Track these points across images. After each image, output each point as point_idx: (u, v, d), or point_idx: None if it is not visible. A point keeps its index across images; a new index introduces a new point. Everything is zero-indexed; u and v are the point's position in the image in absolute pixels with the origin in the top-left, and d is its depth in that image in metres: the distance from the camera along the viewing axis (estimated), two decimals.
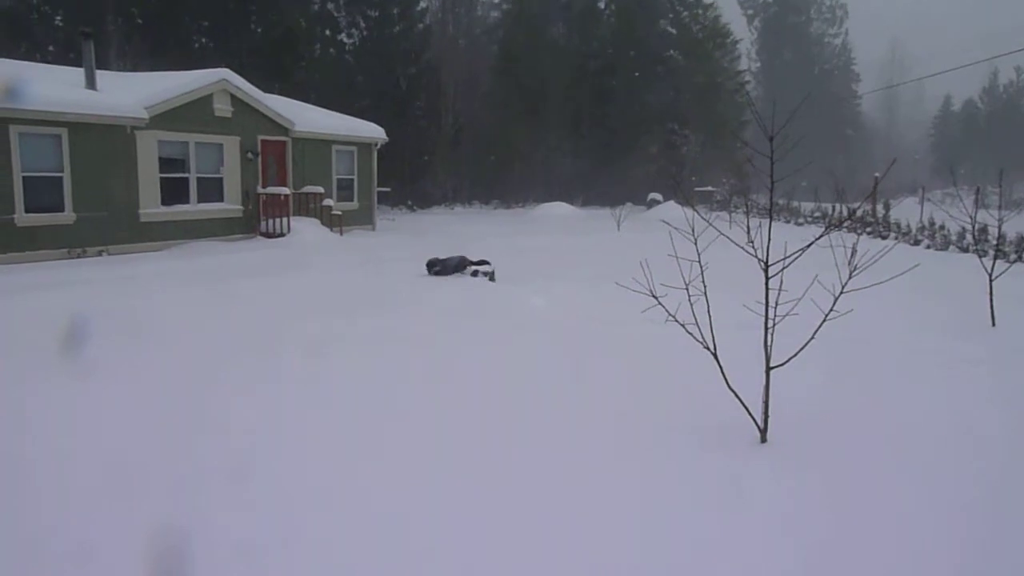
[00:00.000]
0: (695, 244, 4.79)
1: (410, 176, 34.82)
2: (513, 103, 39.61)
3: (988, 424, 5.14)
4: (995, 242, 11.54)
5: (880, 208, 23.73)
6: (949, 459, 4.51)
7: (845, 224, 22.35)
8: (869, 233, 21.42)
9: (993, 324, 8.27)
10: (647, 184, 39.69)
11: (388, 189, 29.18)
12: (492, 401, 5.55)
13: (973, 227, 13.06)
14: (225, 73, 17.37)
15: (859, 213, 24.01)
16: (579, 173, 41.55)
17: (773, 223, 4.67)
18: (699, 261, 4.77)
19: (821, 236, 4.58)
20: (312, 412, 5.24)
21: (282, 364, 6.46)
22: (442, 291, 10.22)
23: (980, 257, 10.07)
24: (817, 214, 27.99)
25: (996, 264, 8.92)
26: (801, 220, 27.87)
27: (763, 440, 4.71)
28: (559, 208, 32.18)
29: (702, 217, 4.74)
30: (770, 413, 4.71)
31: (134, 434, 4.78)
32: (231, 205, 17.65)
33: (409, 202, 35.13)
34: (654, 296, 4.72)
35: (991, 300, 8.43)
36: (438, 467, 4.32)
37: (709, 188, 37.64)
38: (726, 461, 4.44)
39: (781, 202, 30.86)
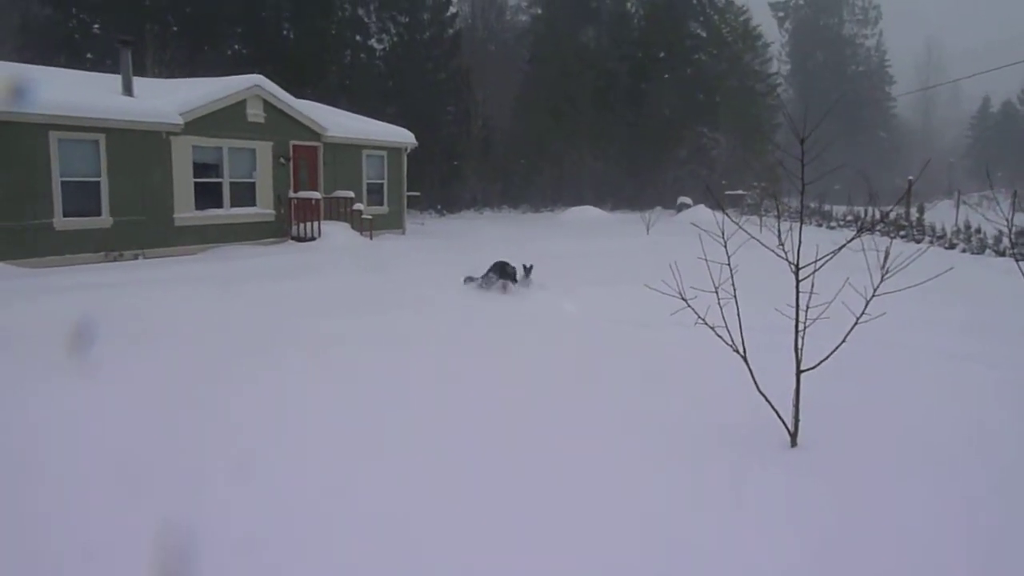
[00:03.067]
0: (724, 247, 4.77)
1: (440, 181, 34.99)
2: (543, 107, 39.68)
3: (1011, 430, 5.05)
4: None
5: (914, 211, 23.35)
6: (973, 461, 4.44)
7: (877, 227, 22.07)
8: (903, 237, 21.07)
9: None
10: (677, 188, 39.48)
11: (418, 194, 29.37)
12: (525, 403, 5.57)
13: (1010, 230, 12.80)
14: (258, 79, 17.63)
15: (892, 216, 23.67)
16: (608, 177, 41.45)
17: (805, 227, 4.64)
18: (729, 264, 4.75)
19: (853, 239, 4.54)
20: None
21: (331, 361, 6.55)
22: (476, 298, 10.28)
23: (1017, 261, 9.87)
24: (849, 218, 27.63)
25: None
26: (833, 224, 27.52)
27: (793, 444, 4.67)
28: (588, 212, 32.15)
29: (732, 220, 4.71)
30: (800, 417, 4.68)
31: (137, 424, 4.88)
32: (264, 209, 17.90)
33: (438, 206, 35.30)
34: (683, 299, 4.72)
35: None
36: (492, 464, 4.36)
37: (740, 192, 37.31)
38: (757, 464, 4.42)
39: (813, 205, 30.47)
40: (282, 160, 18.26)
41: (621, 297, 9.80)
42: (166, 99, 15.65)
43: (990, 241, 17.58)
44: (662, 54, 43.59)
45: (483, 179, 38.76)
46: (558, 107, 39.78)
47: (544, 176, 40.30)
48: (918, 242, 20.84)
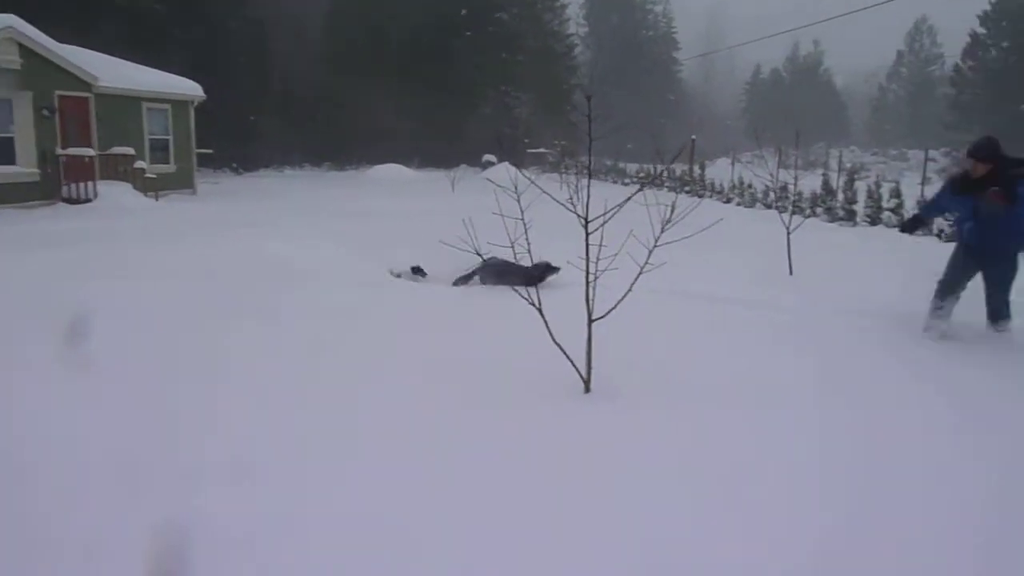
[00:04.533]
0: (519, 203, 4.87)
1: (236, 138, 32.95)
2: (345, 62, 38.38)
3: (782, 366, 5.65)
4: (792, 199, 12.67)
5: (696, 169, 25.27)
6: (749, 396, 4.92)
7: (664, 182, 23.69)
8: (688, 192, 22.78)
9: (791, 273, 9.09)
10: (483, 146, 39.98)
11: (210, 151, 27.44)
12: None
13: (775, 186, 14.26)
14: (11, 19, 15.50)
15: (678, 173, 25.47)
16: (414, 135, 41.09)
17: (601, 183, 4.85)
18: (523, 219, 4.86)
19: (637, 192, 4.79)
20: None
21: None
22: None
23: (780, 213, 11.00)
24: (641, 174, 29.42)
25: (793, 219, 9.78)
26: (627, 180, 29.20)
27: (587, 390, 4.92)
28: (394, 170, 31.76)
29: (525, 176, 4.81)
30: (593, 365, 4.92)
31: None
32: (26, 168, 15.94)
33: (234, 165, 33.33)
34: (479, 255, 4.77)
35: (789, 251, 9.25)
36: None
37: (542, 150, 38.48)
38: (551, 409, 4.63)
39: (608, 163, 32.03)
40: (45, 112, 16.30)
41: (428, 256, 9.78)
42: None
43: (759, 195, 19.44)
44: (464, 10, 43.53)
45: (284, 136, 37.01)
46: (362, 62, 38.66)
47: (348, 133, 39.20)
48: (700, 197, 22.61)
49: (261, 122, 35.23)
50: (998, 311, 6.30)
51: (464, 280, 8.59)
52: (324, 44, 39.86)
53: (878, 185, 15.60)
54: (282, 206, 17.50)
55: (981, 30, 50.87)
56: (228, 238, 10.69)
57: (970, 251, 6.38)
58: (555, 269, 7.96)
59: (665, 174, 26.59)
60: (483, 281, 8.37)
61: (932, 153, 33.66)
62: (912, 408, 4.75)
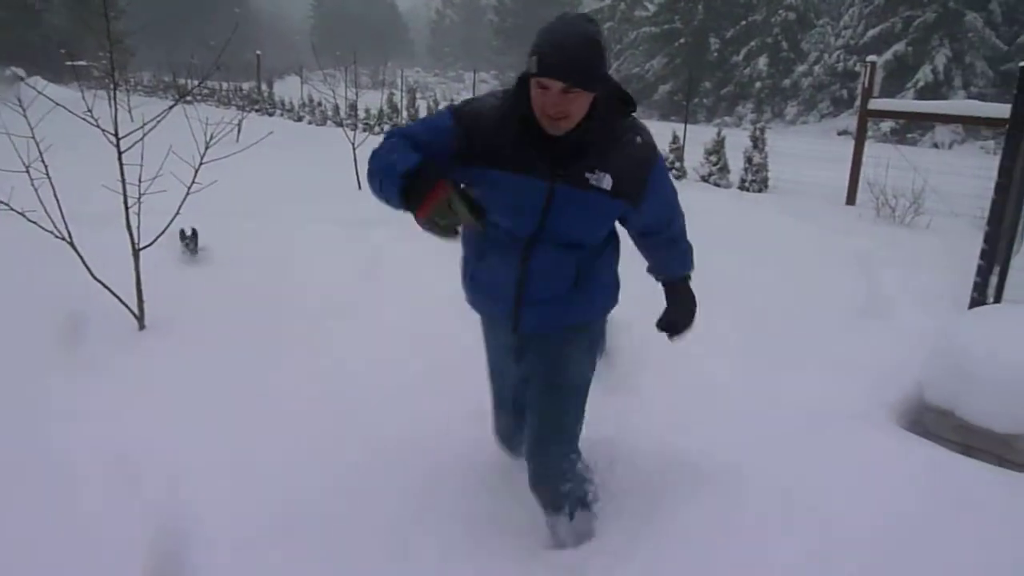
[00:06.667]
0: (25, 118, 4.10)
1: None
2: None
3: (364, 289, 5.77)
4: (361, 116, 12.95)
5: (264, 87, 24.32)
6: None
7: (231, 100, 22.39)
8: (257, 111, 21.85)
9: (359, 187, 9.31)
10: (6, 57, 33.10)
11: None
12: None
13: (344, 104, 14.39)
14: None
15: (246, 90, 24.30)
16: None
17: (162, 101, 4.28)
18: (34, 137, 4.10)
19: (173, 106, 4.36)
20: None
21: None
22: None
23: (347, 130, 11.16)
24: (206, 91, 27.32)
25: (358, 135, 10.00)
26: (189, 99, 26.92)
27: (142, 327, 4.47)
28: None
29: (27, 82, 4.03)
30: (145, 299, 4.47)
31: None
32: None
33: None
34: None
35: (356, 166, 9.45)
36: None
37: (84, 62, 33.32)
38: (107, 348, 4.12)
39: (167, 79, 29.20)
40: None
41: None
42: None
43: (330, 113, 19.46)
44: None
45: None
46: None
47: None
48: (271, 115, 21.91)
49: None
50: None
51: None
52: None
53: (436, 103, 16.72)
54: None
55: None
56: None
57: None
58: None
59: (227, 91, 25.14)
60: None
61: (482, 75, 37.10)
62: None
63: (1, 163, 4.53)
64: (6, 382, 3.69)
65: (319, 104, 19.99)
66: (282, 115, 21.62)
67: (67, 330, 4.37)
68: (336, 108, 18.81)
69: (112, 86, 4.22)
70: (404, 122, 16.60)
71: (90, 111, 4.04)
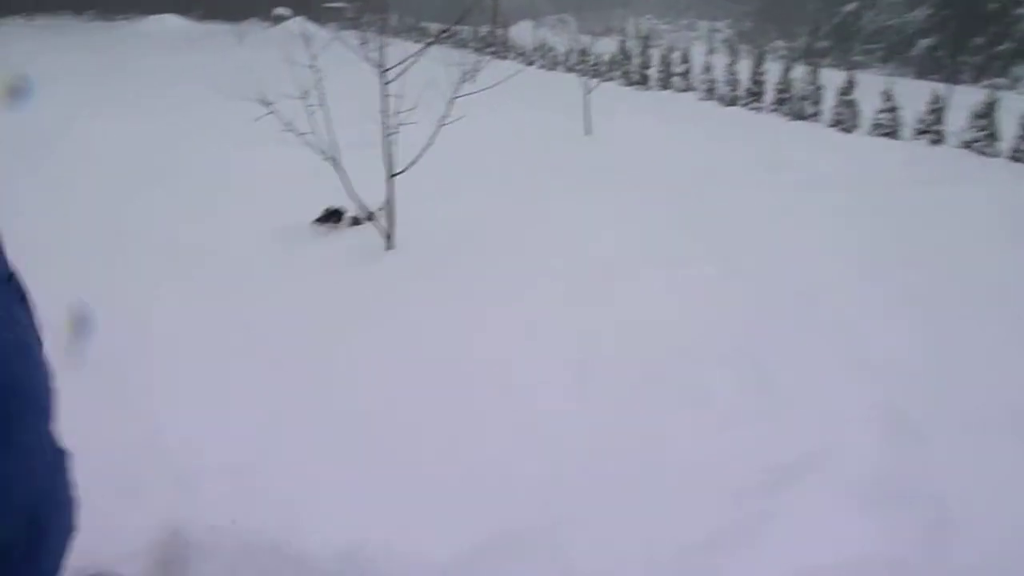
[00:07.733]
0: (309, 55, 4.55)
1: None
2: None
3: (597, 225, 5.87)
4: (592, 62, 12.92)
5: (499, 31, 24.93)
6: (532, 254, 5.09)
7: (467, 43, 23.23)
8: (493, 54, 22.49)
9: (586, 132, 9.36)
10: None
11: None
12: None
13: (576, 49, 14.42)
14: None
15: (482, 34, 25.06)
16: None
17: (404, 43, 4.65)
18: (314, 66, 4.56)
19: (431, 44, 4.65)
20: None
21: None
22: None
23: (579, 76, 11.19)
24: (445, 34, 28.52)
25: (591, 81, 10.00)
26: (430, 40, 28.22)
27: (389, 247, 4.88)
28: (170, 21, 28.36)
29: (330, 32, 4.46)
30: (396, 221, 4.87)
31: None
32: None
33: None
34: (266, 104, 4.46)
35: (586, 111, 9.49)
36: None
37: (340, 4, 35.98)
38: (359, 265, 4.59)
39: (411, 21, 30.77)
40: None
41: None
42: None
43: (561, 58, 19.58)
44: None
45: None
46: None
47: None
48: (505, 59, 22.44)
49: None
50: None
51: None
52: None
53: (670, 51, 16.24)
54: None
55: None
56: None
57: None
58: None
59: (464, 34, 26.00)
60: None
61: (717, 24, 35.49)
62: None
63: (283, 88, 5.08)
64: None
65: (550, 49, 20.18)
66: (514, 59, 22.07)
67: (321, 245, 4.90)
68: (568, 52, 18.89)
69: (380, 26, 4.54)
70: (635, 69, 16.34)
71: (363, 44, 4.40)
